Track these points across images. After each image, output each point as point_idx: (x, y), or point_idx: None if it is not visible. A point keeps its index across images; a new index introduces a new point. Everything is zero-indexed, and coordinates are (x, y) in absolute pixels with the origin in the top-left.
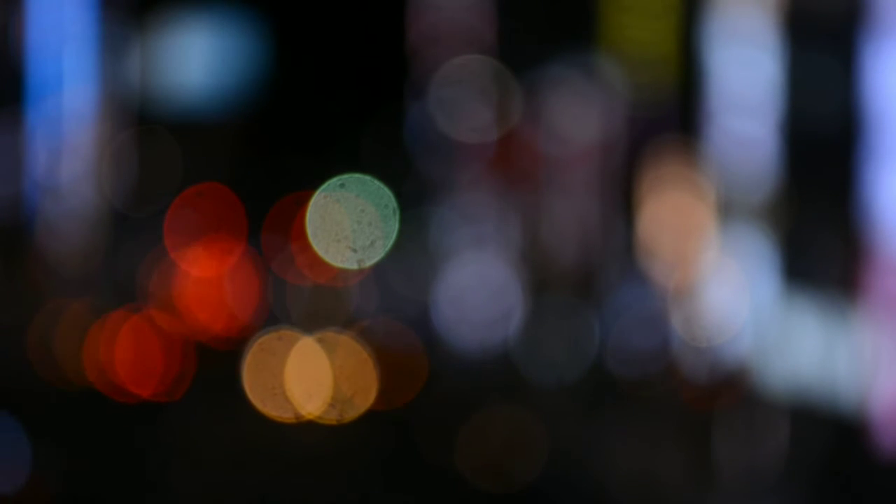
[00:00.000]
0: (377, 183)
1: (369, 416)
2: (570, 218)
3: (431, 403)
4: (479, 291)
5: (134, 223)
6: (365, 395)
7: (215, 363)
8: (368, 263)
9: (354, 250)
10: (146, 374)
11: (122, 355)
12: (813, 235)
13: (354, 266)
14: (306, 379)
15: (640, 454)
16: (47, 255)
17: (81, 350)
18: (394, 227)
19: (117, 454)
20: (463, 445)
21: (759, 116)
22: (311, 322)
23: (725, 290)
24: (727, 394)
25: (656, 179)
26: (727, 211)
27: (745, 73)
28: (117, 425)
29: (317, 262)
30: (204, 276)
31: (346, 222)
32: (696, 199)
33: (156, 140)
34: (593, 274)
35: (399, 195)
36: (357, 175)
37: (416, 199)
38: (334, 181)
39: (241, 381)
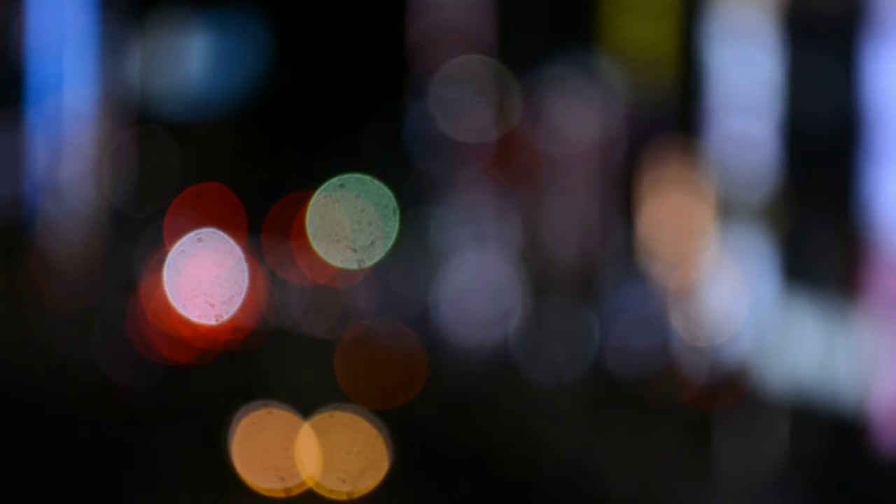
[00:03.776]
0: (377, 183)
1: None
2: (570, 218)
3: (431, 404)
4: (479, 291)
5: (134, 223)
6: (376, 470)
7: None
8: (368, 263)
9: (354, 250)
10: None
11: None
12: (813, 235)
13: (354, 266)
14: (305, 456)
15: (639, 454)
16: (47, 255)
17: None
18: (394, 227)
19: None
20: (462, 446)
21: (759, 116)
22: (310, 322)
23: (725, 290)
24: (727, 394)
25: (656, 179)
26: (727, 211)
27: (745, 73)
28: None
29: (317, 263)
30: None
31: (346, 222)
32: (695, 199)
33: (156, 140)
34: (593, 274)
35: (399, 195)
36: (357, 175)
37: (416, 199)
38: (334, 181)
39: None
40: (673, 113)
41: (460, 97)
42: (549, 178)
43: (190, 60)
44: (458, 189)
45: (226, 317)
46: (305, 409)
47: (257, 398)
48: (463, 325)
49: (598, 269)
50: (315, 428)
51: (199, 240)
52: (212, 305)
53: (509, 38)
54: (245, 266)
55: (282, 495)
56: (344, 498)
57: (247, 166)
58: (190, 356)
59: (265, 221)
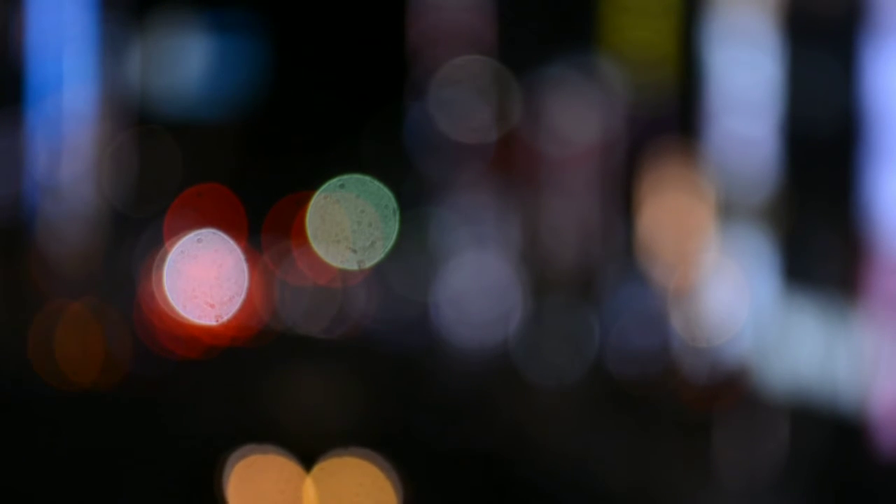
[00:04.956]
0: (377, 183)
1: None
2: (570, 218)
3: (431, 404)
4: (479, 292)
5: (134, 223)
6: None
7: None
8: (369, 264)
9: (354, 251)
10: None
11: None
12: (813, 235)
13: (354, 267)
14: (307, 499)
15: (639, 454)
16: (47, 255)
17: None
18: (394, 227)
19: None
20: (462, 446)
21: (758, 117)
22: (309, 323)
23: (725, 290)
24: (727, 394)
25: (656, 179)
26: (727, 211)
27: (745, 73)
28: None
29: (317, 263)
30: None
31: (346, 222)
32: (696, 199)
33: (156, 140)
34: (593, 274)
35: (399, 195)
36: (357, 175)
37: (416, 199)
38: (334, 181)
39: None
40: (673, 113)
41: (460, 98)
42: (549, 178)
43: (190, 60)
44: (458, 189)
45: (226, 317)
46: (305, 412)
47: (255, 399)
48: (463, 325)
49: (598, 269)
50: (321, 471)
51: (199, 240)
52: (212, 306)
53: (509, 38)
54: (245, 266)
55: None
56: None
57: (247, 166)
58: (189, 355)
59: (265, 221)
